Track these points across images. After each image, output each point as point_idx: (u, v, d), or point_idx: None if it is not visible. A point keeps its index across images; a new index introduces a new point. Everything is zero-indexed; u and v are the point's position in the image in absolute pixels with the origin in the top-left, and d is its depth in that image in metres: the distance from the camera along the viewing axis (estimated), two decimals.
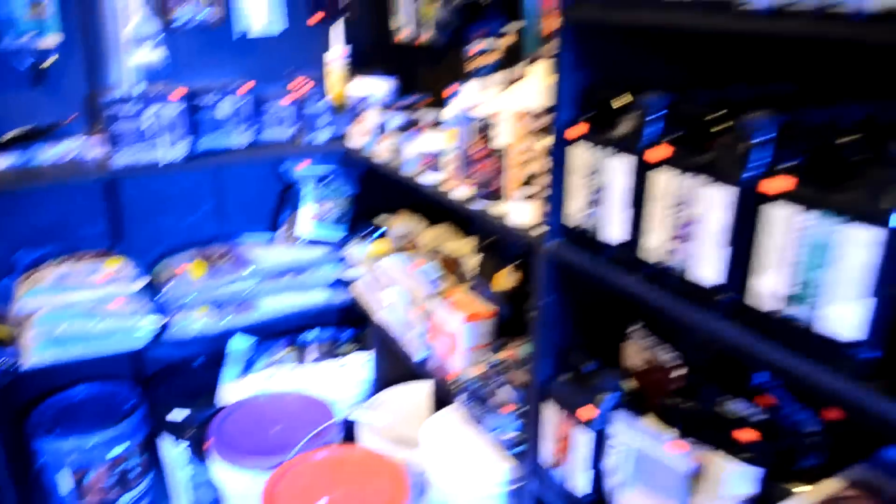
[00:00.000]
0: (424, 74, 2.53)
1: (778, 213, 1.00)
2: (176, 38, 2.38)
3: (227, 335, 2.66)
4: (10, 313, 2.22)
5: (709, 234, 1.10)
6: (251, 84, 2.43)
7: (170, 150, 2.28)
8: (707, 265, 1.12)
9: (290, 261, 2.57)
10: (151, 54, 2.33)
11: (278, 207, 2.79)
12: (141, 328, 2.27)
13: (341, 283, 2.64)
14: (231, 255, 2.56)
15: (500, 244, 2.14)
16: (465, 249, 2.31)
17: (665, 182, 1.16)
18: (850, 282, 0.93)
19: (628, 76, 1.32)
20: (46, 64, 2.23)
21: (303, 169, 2.65)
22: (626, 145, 1.22)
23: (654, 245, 1.21)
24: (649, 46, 1.35)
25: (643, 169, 1.20)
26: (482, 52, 2.02)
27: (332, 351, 2.76)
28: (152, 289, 2.42)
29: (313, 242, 2.64)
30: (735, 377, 1.40)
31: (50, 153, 2.25)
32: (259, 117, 2.49)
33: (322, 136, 2.52)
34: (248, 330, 2.67)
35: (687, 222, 1.14)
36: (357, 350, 2.71)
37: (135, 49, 2.30)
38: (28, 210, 2.40)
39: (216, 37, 2.46)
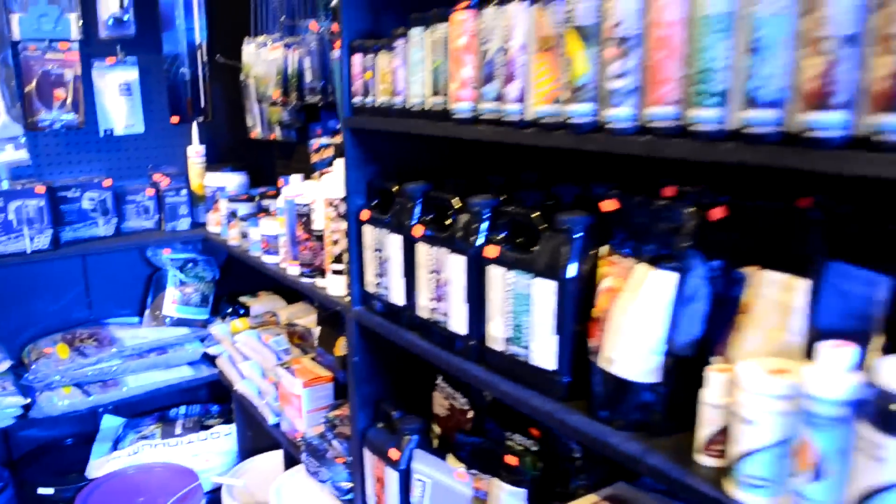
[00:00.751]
0: (276, 167, 2.80)
1: (494, 273, 1.29)
2: (42, 139, 2.58)
3: (97, 414, 2.77)
4: None
5: (455, 293, 1.39)
6: (109, 181, 2.64)
7: (36, 241, 2.44)
8: (457, 318, 1.40)
9: (155, 340, 2.73)
10: (16, 153, 2.51)
11: (145, 291, 2.95)
12: (5, 408, 2.37)
13: (206, 360, 2.82)
14: (97, 336, 2.70)
15: (338, 315, 2.39)
16: (313, 323, 2.54)
17: (424, 253, 1.45)
18: (544, 323, 1.22)
19: (403, 168, 1.62)
20: None
21: (167, 255, 2.85)
22: (397, 226, 1.51)
23: (423, 305, 1.49)
24: (414, 145, 1.65)
25: (410, 243, 1.49)
26: (322, 147, 2.32)
27: (199, 425, 2.89)
28: (18, 371, 2.53)
29: (179, 322, 2.82)
30: (516, 414, 1.68)
31: None
32: (123, 208, 2.69)
33: (182, 224, 2.74)
34: (119, 407, 2.79)
35: (441, 284, 1.42)
36: (223, 423, 2.86)
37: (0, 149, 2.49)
38: None
39: (81, 136, 2.67)
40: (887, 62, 0.71)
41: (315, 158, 2.44)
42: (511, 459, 1.53)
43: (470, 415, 1.76)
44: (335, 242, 1.80)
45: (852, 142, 0.75)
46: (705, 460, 1.00)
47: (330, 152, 2.38)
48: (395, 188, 1.55)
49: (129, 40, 2.63)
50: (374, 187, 1.62)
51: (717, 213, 1.07)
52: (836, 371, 0.82)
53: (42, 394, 2.51)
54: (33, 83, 2.50)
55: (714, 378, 0.99)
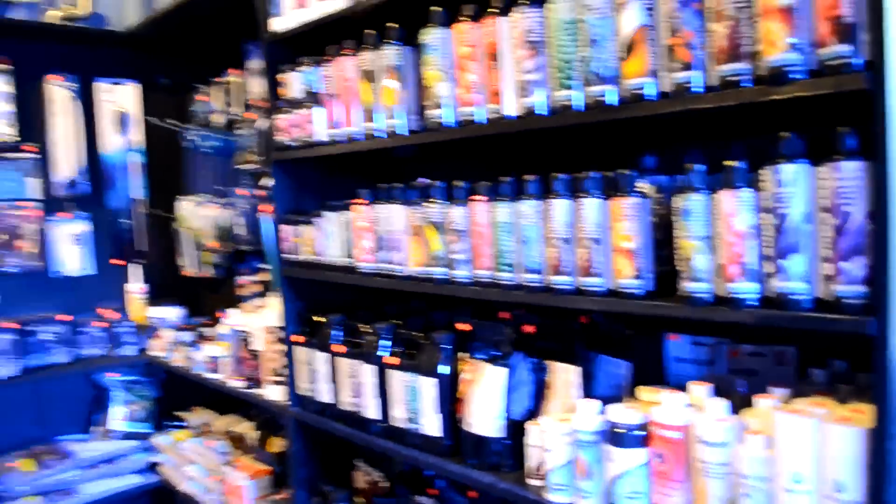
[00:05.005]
0: (207, 300, 3.35)
1: (394, 375, 1.90)
2: (7, 280, 3.05)
3: None
4: None
5: (368, 390, 1.99)
6: (67, 317, 3.12)
7: (4, 369, 2.90)
8: (370, 408, 1.99)
9: (106, 452, 3.15)
10: None
11: (90, 410, 3.36)
12: None
13: (151, 470, 3.24)
14: (53, 451, 3.10)
15: (271, 420, 2.91)
16: (247, 429, 3.04)
17: (345, 364, 2.05)
18: (429, 406, 1.83)
19: (323, 304, 2.23)
20: None
21: (115, 377, 3.30)
22: (322, 346, 2.11)
23: (345, 401, 2.08)
24: (331, 287, 2.22)
25: (333, 358, 2.08)
26: (246, 285, 2.91)
27: None
28: None
29: (126, 437, 3.25)
30: (418, 481, 2.25)
31: None
32: (77, 338, 3.16)
33: (128, 350, 3.23)
34: None
35: (358, 385, 2.02)
36: None
37: None
38: None
39: (40, 278, 3.14)
40: None
41: (242, 292, 3.01)
42: None
43: (385, 485, 2.32)
44: (273, 360, 2.37)
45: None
46: (533, 482, 1.62)
47: (255, 288, 2.96)
48: (319, 319, 2.16)
49: (80, 198, 3.17)
50: (303, 318, 2.23)
51: (529, 328, 1.74)
52: (591, 415, 1.47)
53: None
54: (3, 234, 3.01)
55: (531, 429, 1.62)
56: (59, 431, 3.28)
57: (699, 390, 1.40)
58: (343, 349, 2.04)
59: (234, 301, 2.98)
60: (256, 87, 2.78)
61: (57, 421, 3.28)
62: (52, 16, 3.05)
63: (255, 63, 2.76)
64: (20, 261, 3.06)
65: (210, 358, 2.74)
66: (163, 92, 3.42)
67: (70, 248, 3.19)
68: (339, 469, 2.43)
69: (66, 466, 3.03)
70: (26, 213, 3.08)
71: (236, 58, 2.91)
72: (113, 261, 3.35)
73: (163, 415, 3.35)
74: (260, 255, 2.86)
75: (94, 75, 3.27)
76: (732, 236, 1.21)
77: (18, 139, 3.04)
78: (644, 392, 1.51)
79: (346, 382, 2.05)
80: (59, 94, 3.16)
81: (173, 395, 3.41)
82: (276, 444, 2.81)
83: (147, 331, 3.26)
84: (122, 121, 3.31)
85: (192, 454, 2.98)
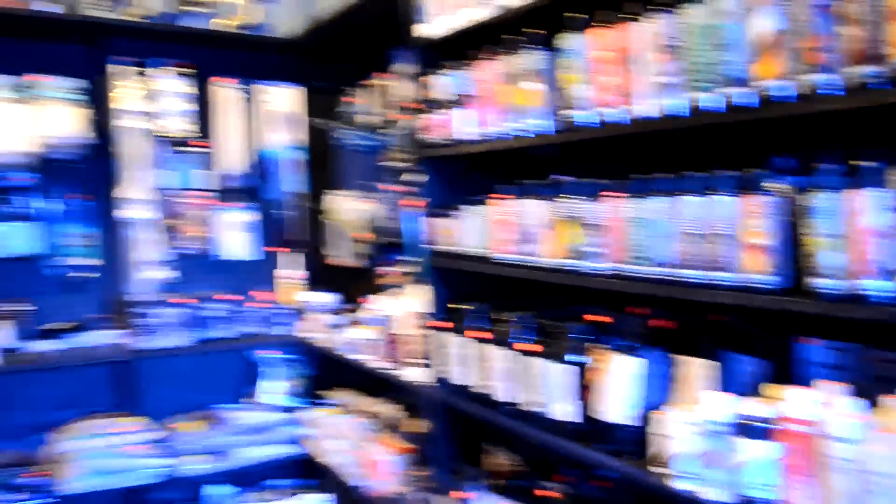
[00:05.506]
0: (349, 287, 3.57)
1: (531, 361, 2.01)
2: (181, 262, 3.42)
3: (209, 480, 3.45)
4: (49, 455, 3.04)
5: (506, 375, 2.11)
6: (232, 296, 3.46)
7: (179, 339, 3.26)
8: (506, 392, 2.11)
9: (259, 422, 3.46)
10: (162, 272, 3.35)
11: (244, 382, 3.68)
12: (155, 468, 3.11)
13: (298, 441, 3.52)
14: (212, 416, 3.44)
15: (412, 401, 3.09)
16: (389, 410, 3.23)
17: (484, 349, 2.18)
18: (562, 393, 1.92)
19: (464, 292, 2.38)
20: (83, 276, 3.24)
21: (267, 354, 3.61)
22: (464, 331, 2.26)
23: (484, 383, 2.21)
24: (473, 277, 2.38)
25: (475, 343, 2.22)
26: (387, 274, 3.12)
27: (290, 494, 3.57)
28: (163, 440, 3.26)
29: (276, 409, 3.54)
30: (546, 466, 2.36)
31: (84, 340, 3.17)
32: (238, 316, 3.49)
33: (281, 330, 3.53)
34: (228, 476, 3.47)
35: (496, 369, 2.15)
36: (311, 493, 3.54)
37: (150, 268, 3.32)
38: (64, 382, 3.29)
39: (206, 261, 3.49)
40: None
41: (383, 281, 3.22)
42: (541, 493, 2.21)
43: (515, 468, 2.44)
44: (417, 344, 2.54)
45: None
46: (658, 469, 1.68)
47: (395, 277, 3.16)
48: (458, 306, 2.31)
49: (244, 190, 3.51)
50: (447, 305, 2.39)
51: (660, 323, 1.80)
52: (720, 406, 1.52)
53: (182, 458, 3.23)
54: (177, 220, 3.38)
55: (660, 418, 1.68)
56: (214, 400, 3.62)
57: (829, 388, 1.42)
58: (485, 335, 2.18)
59: (375, 289, 3.20)
60: (402, 89, 2.97)
61: (214, 390, 3.63)
62: (226, 24, 3.39)
63: (402, 67, 2.95)
64: (190, 244, 3.42)
65: (358, 340, 2.95)
66: (316, 94, 3.69)
67: (234, 234, 3.52)
68: (470, 451, 2.57)
69: (224, 431, 3.36)
70: (197, 201, 3.44)
71: (380, 62, 3.12)
72: (271, 248, 3.65)
73: (311, 392, 3.63)
74: (398, 247, 3.04)
75: (257, 78, 3.59)
76: (864, 234, 1.24)
77: (199, 135, 3.41)
78: (773, 389, 1.54)
79: (485, 367, 2.18)
80: (227, 94, 3.50)
81: (320, 375, 3.68)
82: (416, 425, 2.98)
83: (298, 313, 3.54)
84: (282, 120, 3.61)
85: (339, 429, 3.22)
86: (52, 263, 3.21)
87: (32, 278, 3.21)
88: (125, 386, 3.38)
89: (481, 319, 2.23)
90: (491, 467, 2.54)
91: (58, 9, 2.98)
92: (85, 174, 3.24)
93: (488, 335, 2.17)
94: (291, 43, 3.47)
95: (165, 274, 3.37)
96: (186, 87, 3.39)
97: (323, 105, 3.65)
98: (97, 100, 3.23)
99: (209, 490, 3.48)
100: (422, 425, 2.95)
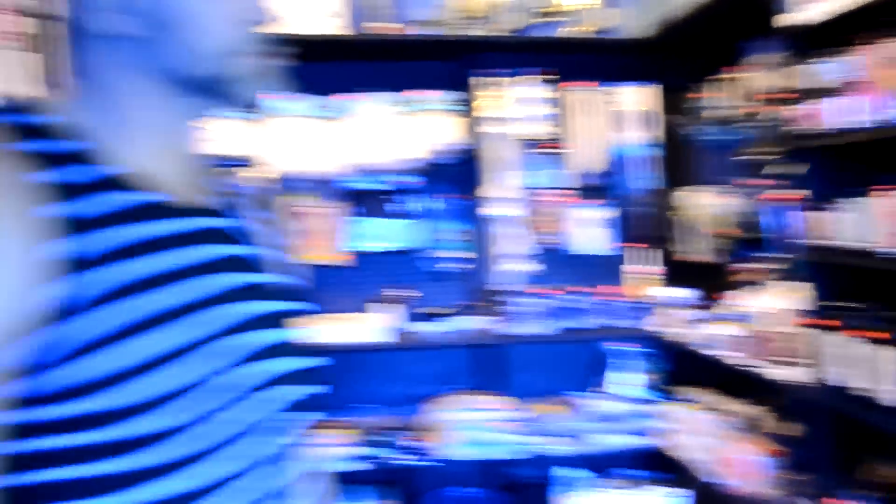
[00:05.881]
0: (709, 283, 3.52)
1: None
2: (540, 255, 3.69)
3: (563, 463, 3.66)
4: (424, 423, 3.49)
5: None
6: (586, 288, 3.65)
7: (542, 327, 3.55)
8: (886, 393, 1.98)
9: (611, 411, 3.61)
10: (526, 265, 3.65)
11: (592, 372, 3.84)
12: (519, 444, 3.41)
13: (652, 434, 3.59)
14: (565, 402, 3.68)
15: (783, 403, 2.95)
16: (756, 411, 3.13)
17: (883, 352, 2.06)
18: None
19: (847, 291, 2.26)
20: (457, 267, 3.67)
21: (623, 347, 3.74)
22: (856, 330, 2.15)
23: (877, 388, 2.08)
24: (859, 274, 2.26)
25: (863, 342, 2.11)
26: (748, 271, 3.04)
27: (639, 485, 3.64)
28: (527, 420, 3.54)
29: (629, 400, 3.65)
30: None
31: (457, 324, 3.56)
32: (592, 308, 3.66)
33: (633, 324, 3.62)
34: (580, 461, 3.65)
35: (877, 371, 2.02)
36: (667, 486, 3.58)
37: (515, 261, 3.63)
38: (436, 359, 3.75)
39: (557, 255, 3.73)
40: None
41: (740, 278, 3.15)
42: None
43: None
44: (793, 343, 2.46)
45: None
46: None
47: (754, 274, 3.06)
48: (848, 305, 2.20)
49: (600, 187, 3.71)
50: (825, 303, 2.30)
51: None
52: None
53: (543, 438, 3.50)
54: (538, 217, 3.67)
55: None
56: (566, 387, 3.82)
57: None
58: (875, 334, 2.06)
59: (730, 285, 3.15)
60: (762, 80, 2.89)
61: (566, 377, 3.84)
62: (579, 30, 3.59)
63: (761, 58, 2.88)
64: (548, 239, 3.69)
65: (718, 336, 2.94)
66: (668, 91, 3.72)
67: (589, 230, 3.71)
68: (845, 458, 2.43)
69: (579, 418, 3.56)
70: (556, 199, 3.69)
71: (728, 56, 3.10)
72: (626, 244, 3.77)
73: (664, 387, 3.68)
74: (756, 243, 2.94)
75: (610, 79, 3.73)
76: None
77: (556, 137, 3.66)
78: None
79: (872, 368, 2.06)
80: (581, 97, 3.69)
81: (673, 370, 3.71)
82: (785, 426, 2.86)
83: (651, 308, 3.60)
84: (635, 119, 3.71)
85: (697, 425, 3.22)
86: (431, 256, 3.68)
87: (414, 268, 3.71)
88: (490, 367, 3.72)
89: (868, 318, 2.10)
90: (872, 477, 2.38)
91: (431, 31, 3.45)
92: (459, 176, 3.65)
93: (878, 335, 2.04)
94: (643, 43, 3.55)
95: (529, 266, 3.66)
96: (545, 92, 3.65)
97: (675, 102, 3.67)
98: (465, 109, 3.61)
99: (561, 472, 3.70)
100: (792, 427, 2.84)
